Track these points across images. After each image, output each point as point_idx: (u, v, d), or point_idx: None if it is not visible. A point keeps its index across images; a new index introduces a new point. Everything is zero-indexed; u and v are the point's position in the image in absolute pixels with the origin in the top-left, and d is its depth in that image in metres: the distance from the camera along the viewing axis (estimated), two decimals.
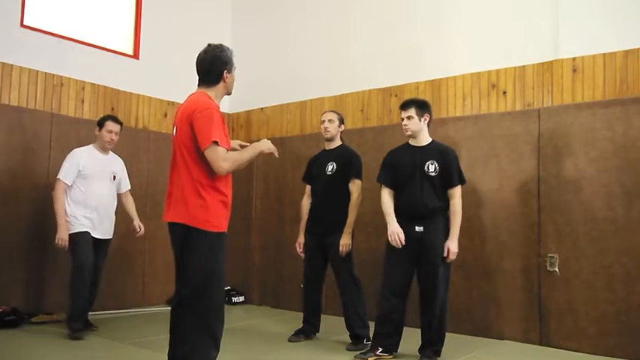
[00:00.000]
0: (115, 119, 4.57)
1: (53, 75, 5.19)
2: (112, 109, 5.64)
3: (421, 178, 3.73)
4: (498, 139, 4.62)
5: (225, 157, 2.65)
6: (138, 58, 5.91)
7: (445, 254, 3.66)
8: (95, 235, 4.37)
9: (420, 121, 3.78)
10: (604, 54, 4.26)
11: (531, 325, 4.35)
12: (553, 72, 4.50)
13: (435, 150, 3.78)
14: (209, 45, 2.88)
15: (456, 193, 3.73)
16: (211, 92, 2.84)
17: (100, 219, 4.40)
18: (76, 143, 5.23)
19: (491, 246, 4.60)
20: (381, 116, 5.49)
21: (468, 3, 5.00)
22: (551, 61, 4.51)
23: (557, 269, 4.26)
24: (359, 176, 4.30)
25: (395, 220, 3.74)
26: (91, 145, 4.56)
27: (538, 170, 4.43)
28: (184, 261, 2.74)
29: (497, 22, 4.80)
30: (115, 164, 4.64)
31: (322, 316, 4.52)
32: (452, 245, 3.67)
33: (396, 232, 3.68)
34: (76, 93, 5.38)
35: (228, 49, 2.89)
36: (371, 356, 3.78)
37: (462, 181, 3.78)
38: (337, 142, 4.43)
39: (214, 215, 2.70)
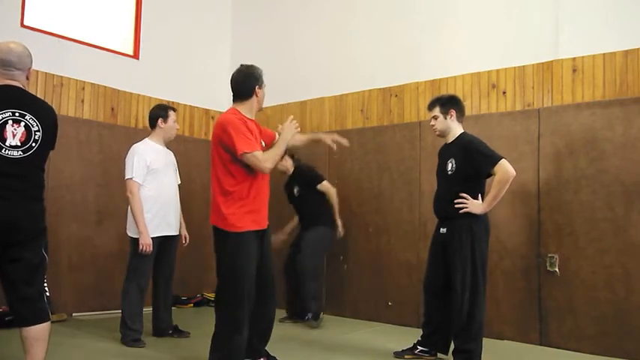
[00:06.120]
0: (174, 108, 4.39)
1: (53, 75, 5.18)
2: (112, 109, 5.64)
3: (443, 177, 3.66)
4: (498, 139, 4.61)
5: (265, 159, 3.09)
6: (138, 58, 5.91)
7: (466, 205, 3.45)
8: (164, 232, 4.14)
9: (446, 119, 3.64)
10: (604, 54, 4.27)
11: (531, 325, 4.35)
12: (553, 72, 4.50)
13: (457, 145, 3.60)
14: (241, 65, 3.26)
15: (497, 171, 3.40)
16: (243, 107, 3.21)
17: (169, 215, 4.18)
18: (76, 143, 5.25)
19: (491, 246, 4.56)
20: (381, 116, 5.49)
21: (468, 3, 5.00)
22: (551, 61, 4.51)
23: (557, 269, 4.26)
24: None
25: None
26: (146, 139, 4.26)
27: (538, 170, 4.43)
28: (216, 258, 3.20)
29: (497, 22, 4.80)
30: (173, 156, 4.39)
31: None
32: (473, 203, 3.46)
33: None
34: (76, 93, 5.37)
35: (258, 68, 3.24)
36: (408, 354, 3.75)
37: (493, 160, 3.42)
38: None
39: (232, 216, 3.09)
